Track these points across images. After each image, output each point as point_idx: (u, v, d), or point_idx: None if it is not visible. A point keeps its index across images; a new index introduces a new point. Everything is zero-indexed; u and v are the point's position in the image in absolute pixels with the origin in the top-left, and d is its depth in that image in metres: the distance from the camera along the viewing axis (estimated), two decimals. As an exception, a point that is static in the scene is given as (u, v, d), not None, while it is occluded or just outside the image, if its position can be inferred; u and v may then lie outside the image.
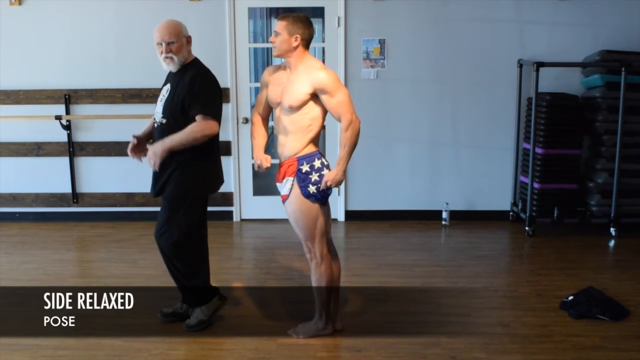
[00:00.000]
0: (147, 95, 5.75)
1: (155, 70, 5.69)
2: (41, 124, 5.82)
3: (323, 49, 5.91)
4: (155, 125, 3.67)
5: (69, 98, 5.79)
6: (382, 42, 5.71)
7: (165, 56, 3.54)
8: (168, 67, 3.59)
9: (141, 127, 5.26)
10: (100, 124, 5.86)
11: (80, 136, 5.90)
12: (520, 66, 5.67)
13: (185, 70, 3.60)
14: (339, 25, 5.70)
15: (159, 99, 3.66)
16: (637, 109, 5.46)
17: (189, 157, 3.55)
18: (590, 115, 5.53)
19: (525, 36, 5.70)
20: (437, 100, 5.82)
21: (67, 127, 5.80)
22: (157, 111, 3.66)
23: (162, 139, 3.55)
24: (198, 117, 3.52)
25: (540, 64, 5.29)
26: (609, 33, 5.63)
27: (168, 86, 3.65)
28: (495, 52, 5.73)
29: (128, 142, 3.76)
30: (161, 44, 3.54)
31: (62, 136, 5.85)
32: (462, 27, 5.70)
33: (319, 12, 5.78)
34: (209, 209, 5.55)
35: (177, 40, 3.54)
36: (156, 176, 3.66)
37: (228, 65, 5.72)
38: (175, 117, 3.55)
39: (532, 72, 5.35)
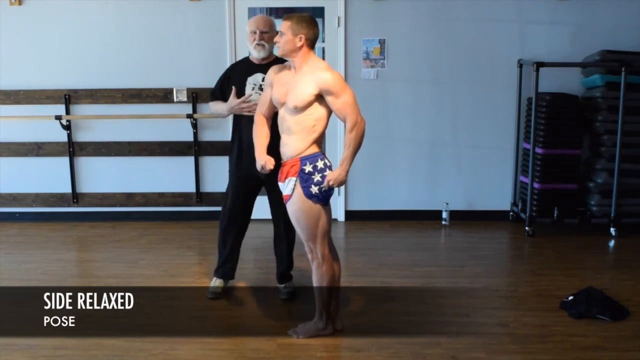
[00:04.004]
0: (147, 95, 5.75)
1: (155, 70, 5.78)
2: (41, 124, 5.82)
3: (323, 49, 5.90)
4: None
5: (69, 98, 5.78)
6: (382, 42, 5.71)
7: (257, 43, 3.92)
8: (259, 53, 3.95)
9: (143, 126, 5.24)
10: (100, 124, 5.85)
11: (80, 136, 5.90)
12: (520, 66, 5.67)
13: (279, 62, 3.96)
14: (339, 25, 5.70)
15: (256, 88, 3.94)
16: (637, 109, 5.45)
17: None
18: (590, 115, 5.53)
19: (525, 36, 5.70)
20: (437, 100, 5.82)
21: (67, 127, 5.80)
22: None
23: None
24: None
25: (540, 64, 5.29)
26: (609, 33, 5.62)
27: (258, 76, 3.95)
28: (495, 52, 5.73)
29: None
30: (255, 32, 3.92)
31: (62, 136, 5.85)
32: (462, 27, 5.70)
33: (319, 12, 5.77)
34: (210, 208, 5.59)
35: (270, 31, 3.93)
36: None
37: (228, 65, 5.69)
38: None
39: (532, 72, 5.35)
